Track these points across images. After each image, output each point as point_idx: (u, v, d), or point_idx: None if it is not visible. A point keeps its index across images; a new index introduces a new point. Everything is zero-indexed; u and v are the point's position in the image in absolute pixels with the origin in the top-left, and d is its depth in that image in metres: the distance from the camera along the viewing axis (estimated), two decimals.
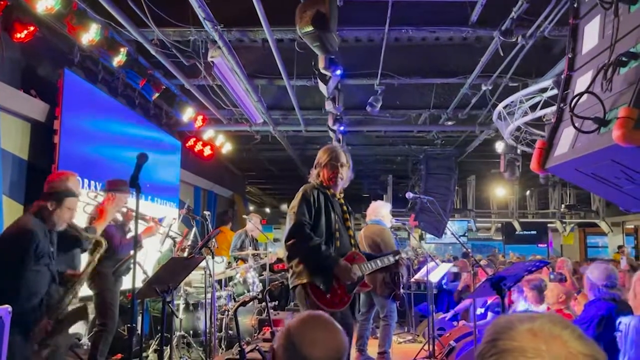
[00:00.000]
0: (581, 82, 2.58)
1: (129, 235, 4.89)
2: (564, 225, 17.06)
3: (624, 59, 2.16)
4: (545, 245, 18.08)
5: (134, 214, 2.95)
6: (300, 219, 3.37)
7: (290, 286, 3.47)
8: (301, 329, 1.50)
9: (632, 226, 16.90)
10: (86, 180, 5.83)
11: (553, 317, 0.88)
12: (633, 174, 2.24)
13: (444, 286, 9.06)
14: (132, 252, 3.01)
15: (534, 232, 17.90)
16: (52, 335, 3.34)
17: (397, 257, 3.79)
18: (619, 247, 15.76)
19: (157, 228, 4.96)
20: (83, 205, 4.35)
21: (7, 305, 2.82)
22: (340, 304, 3.36)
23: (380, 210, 6.12)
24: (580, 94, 2.30)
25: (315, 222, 3.42)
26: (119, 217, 4.76)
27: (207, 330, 5.15)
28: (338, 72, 5.95)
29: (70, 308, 3.55)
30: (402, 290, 6.14)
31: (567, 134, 2.55)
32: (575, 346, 0.82)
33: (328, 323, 1.55)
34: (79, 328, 5.35)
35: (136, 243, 2.97)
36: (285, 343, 1.48)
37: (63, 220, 3.37)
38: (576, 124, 2.28)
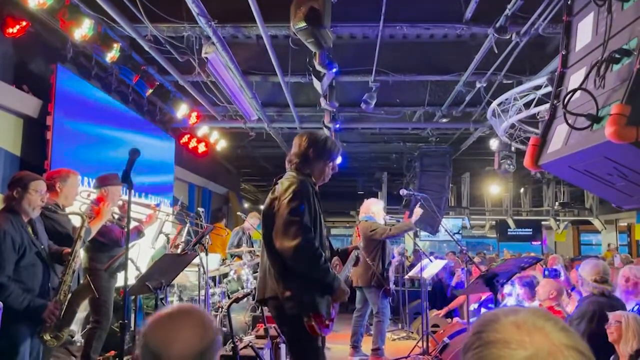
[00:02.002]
0: (574, 79, 2.59)
1: (130, 226, 4.86)
2: (557, 222, 17.13)
3: (617, 55, 2.17)
4: (539, 242, 18.13)
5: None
6: (309, 231, 2.72)
7: (291, 316, 2.79)
8: (155, 331, 1.37)
9: (625, 224, 16.95)
10: (79, 177, 5.79)
11: (537, 310, 0.90)
12: (625, 171, 2.25)
13: (448, 281, 9.13)
14: (131, 244, 2.97)
15: (528, 230, 17.93)
16: (65, 320, 3.31)
17: (357, 253, 3.36)
18: (608, 245, 15.87)
19: (157, 214, 4.94)
20: (78, 205, 4.31)
21: None
22: (331, 323, 2.91)
23: (371, 208, 6.14)
24: (573, 91, 2.31)
25: (313, 230, 2.79)
26: (116, 213, 4.69)
27: None
28: (334, 69, 5.94)
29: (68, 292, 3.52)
30: (392, 286, 6.16)
31: (560, 131, 2.55)
32: (558, 338, 0.83)
33: (183, 317, 1.41)
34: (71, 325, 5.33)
35: (128, 236, 2.94)
36: (142, 351, 1.36)
37: (34, 204, 3.22)
38: (569, 121, 2.28)
